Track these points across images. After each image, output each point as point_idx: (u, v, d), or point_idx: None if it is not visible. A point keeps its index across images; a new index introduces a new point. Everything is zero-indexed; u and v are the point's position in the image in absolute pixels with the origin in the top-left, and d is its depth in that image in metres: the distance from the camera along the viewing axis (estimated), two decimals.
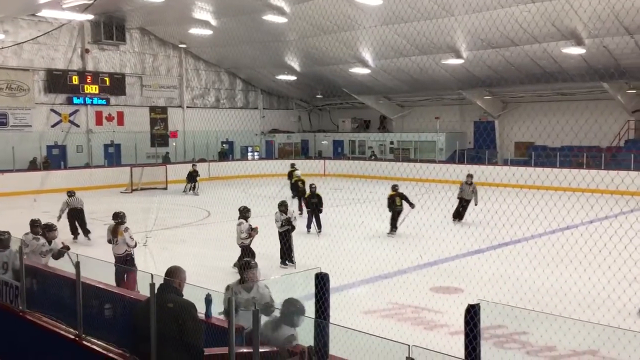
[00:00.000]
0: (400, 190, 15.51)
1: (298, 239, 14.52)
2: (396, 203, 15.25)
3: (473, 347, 5.12)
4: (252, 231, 11.12)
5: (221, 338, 5.09)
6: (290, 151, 37.86)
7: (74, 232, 15.57)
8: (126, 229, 9.95)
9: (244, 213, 11.37)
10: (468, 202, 17.10)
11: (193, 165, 26.72)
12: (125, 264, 9.50)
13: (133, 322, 5.15)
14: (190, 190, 25.58)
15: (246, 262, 6.71)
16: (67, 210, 15.65)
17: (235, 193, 24.51)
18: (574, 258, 10.54)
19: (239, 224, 11.22)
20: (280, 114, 39.55)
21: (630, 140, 26.68)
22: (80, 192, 24.05)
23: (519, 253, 10.05)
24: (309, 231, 15.43)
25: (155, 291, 4.94)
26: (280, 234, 12.26)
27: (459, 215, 17.23)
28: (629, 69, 23.41)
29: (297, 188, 19.19)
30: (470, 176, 17.34)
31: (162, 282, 5.06)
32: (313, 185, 15.90)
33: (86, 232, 15.61)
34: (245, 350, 4.89)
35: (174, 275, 5.10)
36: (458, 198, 17.26)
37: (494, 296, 9.56)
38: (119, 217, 10.14)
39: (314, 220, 15.47)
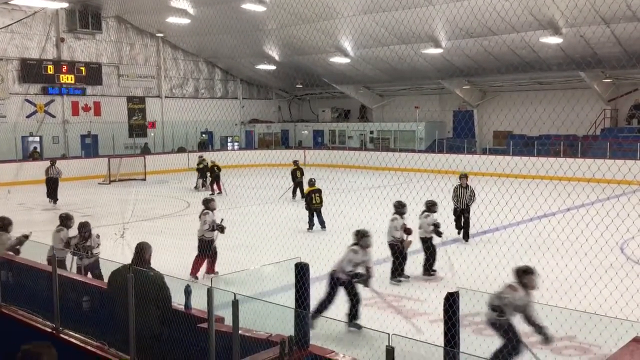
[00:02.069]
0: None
1: (277, 228, 14.50)
2: (314, 201, 14.86)
3: (452, 335, 5.16)
4: (404, 227, 9.98)
5: (202, 333, 5.06)
6: (270, 141, 37.72)
7: (50, 197, 19.67)
8: (205, 213, 10.31)
9: (400, 208, 10.13)
10: (467, 212, 13.08)
11: (200, 156, 24.17)
12: (202, 248, 10.25)
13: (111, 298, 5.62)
14: (202, 186, 23.32)
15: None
16: (45, 178, 19.88)
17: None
18: (551, 245, 10.67)
19: (393, 220, 10.10)
20: (260, 104, 39.34)
21: (606, 128, 27.04)
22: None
23: (497, 241, 10.16)
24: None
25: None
26: (423, 239, 10.43)
27: (463, 231, 13.15)
28: (605, 58, 23.70)
29: (213, 172, 22.16)
30: (465, 177, 13.32)
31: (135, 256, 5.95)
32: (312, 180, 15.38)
33: (55, 200, 19.60)
34: (224, 330, 4.89)
35: (145, 250, 6.08)
36: (454, 209, 13.25)
37: (472, 284, 9.64)
38: (203, 203, 10.63)
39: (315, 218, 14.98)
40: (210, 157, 24.32)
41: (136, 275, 5.29)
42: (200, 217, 10.51)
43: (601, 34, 20.69)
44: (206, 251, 10.27)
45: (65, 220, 9.29)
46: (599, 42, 22.23)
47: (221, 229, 10.32)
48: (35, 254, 8.56)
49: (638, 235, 9.50)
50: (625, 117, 26.96)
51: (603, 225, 8.63)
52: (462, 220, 13.01)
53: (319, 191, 15.05)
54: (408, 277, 9.89)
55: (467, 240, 12.80)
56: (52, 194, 19.68)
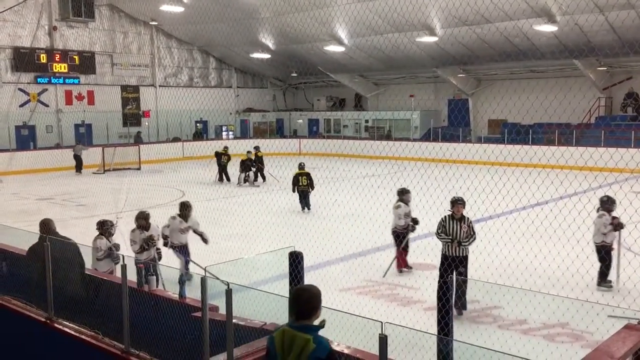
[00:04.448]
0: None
1: (272, 217, 14.53)
2: (301, 182, 15.64)
3: (446, 322, 5.21)
4: (618, 223, 8.74)
5: (196, 322, 5.08)
6: (265, 130, 37.66)
7: (77, 169, 25.61)
8: (397, 206, 10.06)
9: (608, 205, 8.92)
10: (463, 261, 8.01)
11: (248, 152, 21.94)
12: (396, 240, 10.06)
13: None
14: (244, 181, 21.45)
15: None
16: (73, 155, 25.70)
17: (210, 173, 24.44)
18: (543, 233, 10.73)
19: (601, 216, 8.84)
20: (254, 93, 39.21)
21: (600, 116, 27.10)
22: (51, 172, 23.79)
23: (490, 229, 10.19)
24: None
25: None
26: (599, 246, 8.91)
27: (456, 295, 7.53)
28: (599, 46, 23.69)
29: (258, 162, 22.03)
30: (460, 203, 8.09)
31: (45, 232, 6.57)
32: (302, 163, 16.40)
33: (79, 171, 25.70)
34: (218, 319, 4.91)
35: (48, 225, 6.79)
36: (443, 255, 8.10)
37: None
38: (398, 194, 10.29)
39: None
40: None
41: (53, 245, 5.90)
42: (394, 209, 10.27)
43: (594, 21, 20.66)
44: (399, 243, 10.03)
45: (139, 220, 8.54)
46: (592, 29, 22.22)
47: (415, 222, 10.05)
48: (28, 242, 8.54)
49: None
50: (620, 105, 27.01)
51: (595, 213, 8.68)
52: (455, 274, 7.83)
53: (307, 174, 15.72)
54: (611, 281, 8.89)
55: (461, 313, 7.82)
56: (77, 167, 25.72)
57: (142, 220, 8.45)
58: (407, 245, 10.09)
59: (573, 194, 12.05)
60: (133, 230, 8.44)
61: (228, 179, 22.25)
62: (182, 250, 9.29)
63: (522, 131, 26.84)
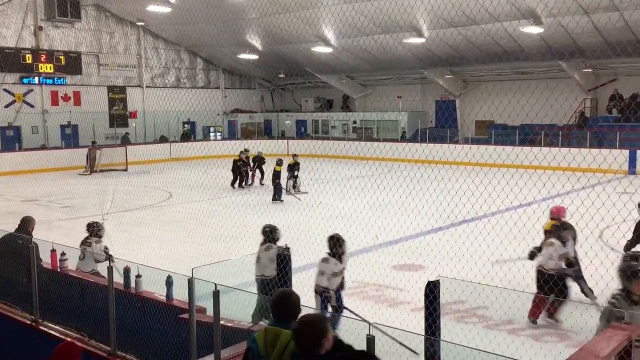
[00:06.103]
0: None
1: (258, 218, 14.51)
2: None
3: (433, 320, 5.25)
4: None
5: (183, 324, 5.09)
6: (252, 131, 37.60)
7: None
8: (551, 244, 8.10)
9: None
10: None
11: (294, 156, 20.51)
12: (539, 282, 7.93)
13: None
14: (292, 188, 19.29)
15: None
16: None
17: (198, 174, 24.39)
18: (526, 235, 10.82)
19: None
20: (242, 94, 39.15)
21: (585, 118, 27.31)
22: (37, 174, 23.62)
23: (472, 231, 10.27)
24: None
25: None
26: None
27: None
28: (585, 48, 23.92)
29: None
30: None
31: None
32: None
33: (90, 172, 25.48)
34: (206, 320, 4.92)
35: (28, 222, 7.48)
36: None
37: (454, 272, 9.76)
38: (556, 229, 8.28)
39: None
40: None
41: (17, 242, 6.45)
42: (544, 245, 8.13)
43: (577, 23, 20.87)
44: (541, 287, 7.81)
45: (273, 233, 8.04)
46: (577, 31, 22.46)
47: (569, 264, 7.80)
48: None
49: (613, 225, 9.68)
50: (605, 106, 27.28)
51: (578, 214, 8.77)
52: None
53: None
54: None
55: None
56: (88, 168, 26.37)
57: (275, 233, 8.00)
58: (562, 294, 7.73)
59: (556, 195, 12.18)
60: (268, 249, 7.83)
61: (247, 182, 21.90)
62: (331, 298, 7.22)
63: (506, 132, 27.06)
